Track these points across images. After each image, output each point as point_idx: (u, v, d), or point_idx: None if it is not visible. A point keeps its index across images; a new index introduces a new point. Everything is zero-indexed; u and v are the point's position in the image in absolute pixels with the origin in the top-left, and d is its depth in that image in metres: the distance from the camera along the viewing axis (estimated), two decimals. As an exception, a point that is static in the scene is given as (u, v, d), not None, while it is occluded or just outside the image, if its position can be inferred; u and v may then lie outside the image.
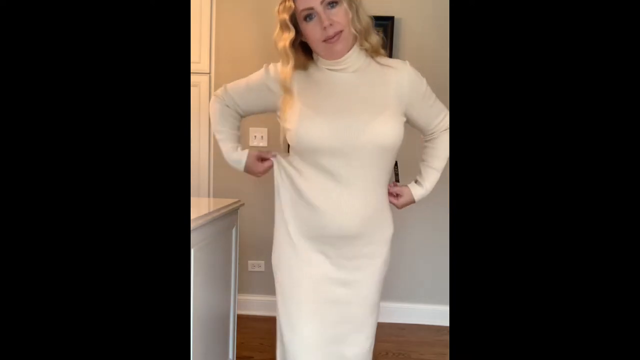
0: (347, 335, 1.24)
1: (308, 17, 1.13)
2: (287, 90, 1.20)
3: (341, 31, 1.13)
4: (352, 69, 1.20)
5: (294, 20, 1.16)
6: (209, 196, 2.62)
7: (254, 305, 2.65)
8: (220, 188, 2.62)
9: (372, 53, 1.23)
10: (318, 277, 1.22)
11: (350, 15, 1.14)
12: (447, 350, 2.05)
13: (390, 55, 2.48)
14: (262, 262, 2.67)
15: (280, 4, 1.16)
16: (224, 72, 2.57)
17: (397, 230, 1.29)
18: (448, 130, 1.31)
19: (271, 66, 1.25)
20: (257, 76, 1.28)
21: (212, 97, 1.37)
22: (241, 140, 1.39)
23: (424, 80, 1.25)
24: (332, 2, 1.12)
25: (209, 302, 1.57)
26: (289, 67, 1.18)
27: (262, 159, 1.32)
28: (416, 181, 1.34)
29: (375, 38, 1.21)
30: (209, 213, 1.51)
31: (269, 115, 1.33)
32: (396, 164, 1.29)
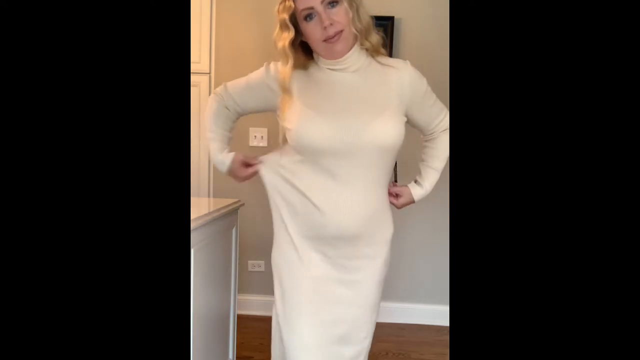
0: (346, 336, 1.23)
1: (308, 16, 1.13)
2: (285, 90, 1.20)
3: (341, 31, 1.13)
4: (352, 69, 1.20)
5: (294, 19, 1.16)
6: (209, 196, 2.62)
7: (254, 305, 2.65)
8: (220, 188, 2.62)
9: (373, 52, 1.22)
10: (318, 278, 1.21)
11: (351, 15, 1.13)
12: (447, 350, 2.05)
13: (390, 55, 2.48)
14: (262, 262, 2.67)
15: (280, 3, 1.15)
16: (224, 72, 2.56)
17: (397, 230, 1.29)
18: (448, 130, 1.31)
19: (272, 65, 1.24)
20: (257, 75, 1.27)
21: (211, 94, 1.36)
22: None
23: (425, 80, 1.25)
24: (333, 2, 1.12)
25: (209, 302, 1.57)
26: (288, 67, 1.18)
27: (247, 165, 1.30)
28: (416, 181, 1.34)
29: (376, 37, 1.21)
30: (209, 213, 1.51)
31: (269, 115, 1.33)
32: (395, 164, 1.29)
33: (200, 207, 1.63)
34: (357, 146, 1.14)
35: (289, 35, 1.15)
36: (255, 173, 1.29)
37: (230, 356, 1.84)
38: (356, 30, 1.16)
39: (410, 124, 1.28)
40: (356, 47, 1.19)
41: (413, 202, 1.34)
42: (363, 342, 1.26)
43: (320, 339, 1.21)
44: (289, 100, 1.20)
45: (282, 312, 1.23)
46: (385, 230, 1.26)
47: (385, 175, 1.22)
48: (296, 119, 1.16)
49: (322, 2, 1.11)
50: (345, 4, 1.13)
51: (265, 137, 2.60)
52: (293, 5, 1.13)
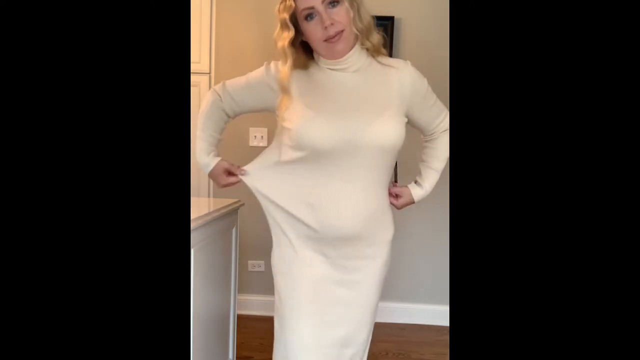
0: (346, 336, 1.24)
1: (309, 16, 1.12)
2: (284, 89, 1.19)
3: (342, 30, 1.12)
4: (353, 69, 1.19)
5: (294, 19, 1.15)
6: (209, 196, 2.62)
7: (254, 305, 2.65)
8: (220, 188, 2.61)
9: (374, 52, 1.22)
10: (318, 278, 1.21)
11: (352, 15, 1.13)
12: (447, 350, 2.05)
13: (390, 55, 2.48)
14: (262, 262, 2.67)
15: (281, 3, 1.15)
16: (224, 72, 2.56)
17: (397, 230, 1.29)
18: (448, 131, 1.31)
19: (272, 64, 1.23)
20: (257, 74, 1.26)
21: (209, 92, 1.33)
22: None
23: (425, 81, 1.24)
24: (333, 2, 1.11)
25: (208, 302, 1.57)
26: (287, 67, 1.17)
27: (230, 174, 1.30)
28: (416, 182, 1.34)
29: (377, 37, 1.20)
30: (209, 213, 1.51)
31: (269, 115, 1.32)
32: (395, 164, 1.29)
33: (200, 207, 1.63)
34: (358, 146, 1.13)
35: (289, 34, 1.14)
36: (234, 183, 1.30)
37: (230, 356, 1.84)
38: (357, 30, 1.15)
39: (411, 124, 1.27)
40: (357, 47, 1.19)
41: (413, 202, 1.34)
42: (363, 342, 1.26)
43: (321, 339, 1.21)
44: (288, 100, 1.19)
45: (282, 312, 1.23)
46: (386, 230, 1.25)
47: (385, 176, 1.22)
48: (296, 119, 1.16)
49: (322, 2, 1.10)
50: (346, 4, 1.12)
51: (265, 137, 2.60)
52: (294, 5, 1.12)
